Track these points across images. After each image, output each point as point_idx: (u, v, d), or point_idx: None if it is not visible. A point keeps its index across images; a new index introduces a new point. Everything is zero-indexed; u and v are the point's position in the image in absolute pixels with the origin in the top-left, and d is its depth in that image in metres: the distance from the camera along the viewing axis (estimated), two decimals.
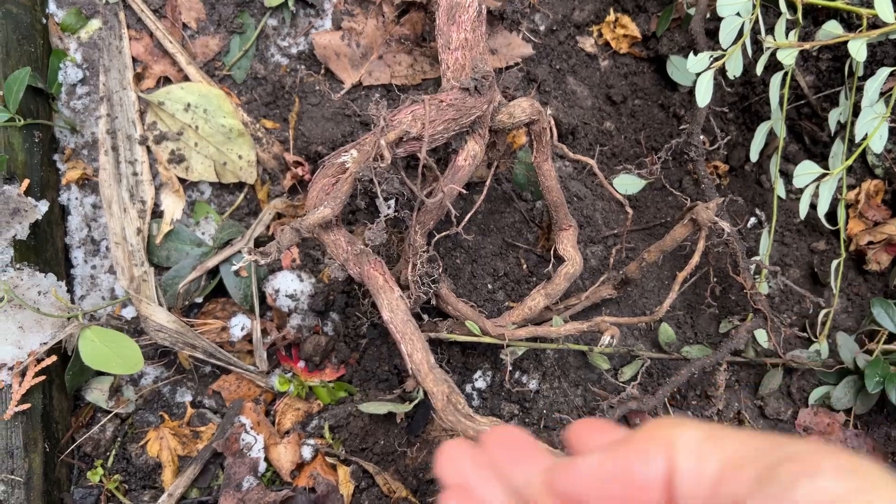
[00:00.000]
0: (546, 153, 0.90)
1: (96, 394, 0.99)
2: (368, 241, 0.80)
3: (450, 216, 0.85)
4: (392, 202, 0.85)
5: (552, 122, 0.91)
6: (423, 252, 0.88)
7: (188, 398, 1.02)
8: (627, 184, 1.03)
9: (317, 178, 0.84)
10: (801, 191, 0.95)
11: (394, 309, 0.78)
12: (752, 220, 1.06)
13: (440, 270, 0.91)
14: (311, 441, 1.00)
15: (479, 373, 1.00)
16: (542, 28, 1.10)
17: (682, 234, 0.83)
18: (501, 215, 1.05)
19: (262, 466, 0.97)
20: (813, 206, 0.92)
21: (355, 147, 0.82)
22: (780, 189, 0.98)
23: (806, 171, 0.87)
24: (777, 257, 1.03)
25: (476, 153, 0.87)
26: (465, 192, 1.01)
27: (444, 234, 0.88)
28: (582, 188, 1.06)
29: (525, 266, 1.03)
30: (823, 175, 0.88)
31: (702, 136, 0.94)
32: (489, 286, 1.03)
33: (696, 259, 0.83)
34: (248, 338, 1.04)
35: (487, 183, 0.95)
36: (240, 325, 1.04)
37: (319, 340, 1.05)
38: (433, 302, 0.96)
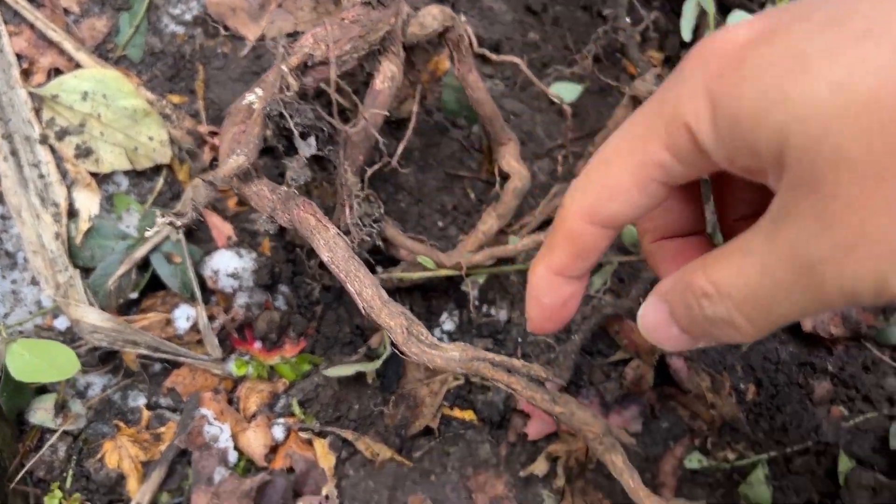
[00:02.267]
0: (468, 63, 0.84)
1: (41, 414, 0.91)
2: (291, 182, 0.73)
3: (383, 154, 0.79)
4: (312, 140, 0.78)
5: (468, 30, 0.85)
6: (359, 191, 0.81)
7: (142, 401, 0.94)
8: (564, 91, 0.98)
9: (225, 127, 0.77)
10: None
11: (332, 248, 0.71)
12: None
13: (381, 210, 0.85)
14: (282, 420, 0.93)
15: (444, 315, 0.94)
16: None
17: (624, 116, 0.78)
18: (438, 148, 0.99)
19: (233, 456, 0.90)
20: None
21: (259, 85, 0.75)
22: None
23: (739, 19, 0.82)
24: None
25: (394, 73, 0.81)
26: (396, 129, 0.95)
27: (376, 166, 0.82)
28: (517, 104, 1.00)
29: (473, 195, 0.97)
30: None
31: (629, 20, 0.89)
32: (439, 223, 0.97)
33: None
34: (197, 327, 0.97)
35: (414, 109, 0.88)
36: (184, 315, 0.97)
37: (272, 316, 0.98)
38: (382, 247, 0.90)
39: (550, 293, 0.44)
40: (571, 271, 0.43)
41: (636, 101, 0.77)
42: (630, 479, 0.70)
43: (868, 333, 0.86)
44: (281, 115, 0.72)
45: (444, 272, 0.84)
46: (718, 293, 0.34)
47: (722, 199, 0.46)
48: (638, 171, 0.36)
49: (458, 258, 0.84)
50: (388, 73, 0.80)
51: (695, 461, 0.85)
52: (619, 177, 0.37)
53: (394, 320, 0.70)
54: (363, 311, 0.71)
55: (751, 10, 0.97)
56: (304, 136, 0.76)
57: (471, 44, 0.84)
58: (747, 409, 0.87)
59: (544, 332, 0.49)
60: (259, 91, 0.74)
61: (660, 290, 0.41)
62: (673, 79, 0.35)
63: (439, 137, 0.99)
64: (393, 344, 0.95)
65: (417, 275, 0.84)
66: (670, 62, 1.04)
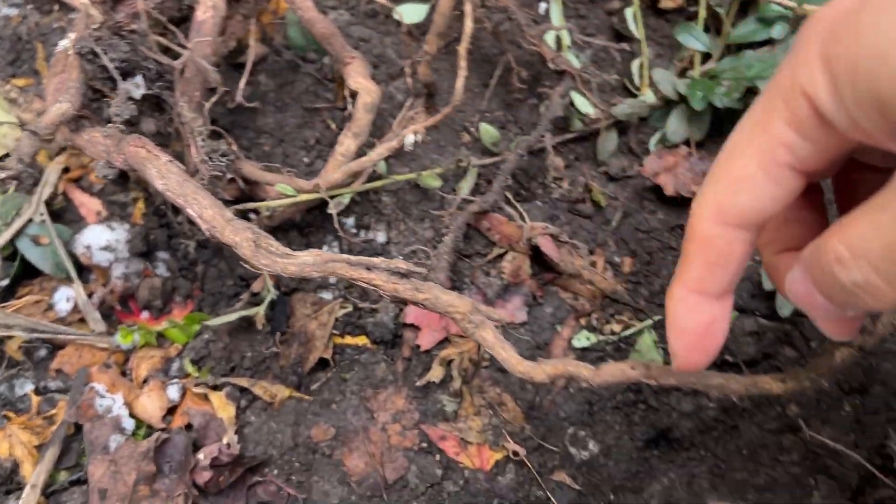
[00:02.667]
0: None
1: None
2: (115, 117, 0.72)
3: (229, 93, 0.78)
4: (140, 79, 0.76)
5: None
6: (200, 127, 0.80)
7: (29, 388, 0.91)
8: (412, 12, 0.98)
9: (48, 80, 0.75)
10: None
11: (165, 174, 0.70)
12: (543, 5, 1.02)
13: (232, 145, 0.84)
14: (176, 381, 0.91)
15: (324, 248, 0.93)
16: None
17: (447, 5, 0.78)
18: (293, 85, 0.98)
19: (129, 424, 0.88)
20: None
21: (70, 29, 0.74)
22: None
23: None
24: (579, 33, 0.99)
25: (216, 3, 0.80)
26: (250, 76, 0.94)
27: (214, 98, 0.80)
28: (365, 30, 1.00)
29: (334, 125, 0.97)
30: None
31: None
32: (305, 159, 0.96)
33: (468, 25, 0.78)
34: (78, 308, 0.95)
35: (252, 43, 0.87)
36: (63, 297, 0.95)
37: (153, 283, 0.96)
38: (246, 192, 0.89)
39: (691, 316, 0.40)
40: (710, 286, 0.39)
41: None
42: (502, 350, 0.70)
43: None
44: (94, 53, 0.70)
45: (304, 197, 0.83)
46: (853, 255, 0.31)
47: (843, 202, 0.44)
48: (762, 155, 0.34)
49: (318, 180, 0.83)
50: (208, 3, 0.79)
51: (583, 339, 0.86)
52: (743, 166, 0.35)
53: (239, 235, 0.69)
54: (207, 234, 0.70)
55: None
56: (128, 74, 0.74)
57: None
58: (625, 281, 0.88)
59: (693, 368, 0.43)
60: (71, 34, 0.72)
61: (802, 257, 0.37)
62: (787, 57, 0.33)
63: (292, 75, 0.98)
64: (276, 286, 0.95)
65: (278, 203, 0.83)
66: None
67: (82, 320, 0.94)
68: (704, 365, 0.42)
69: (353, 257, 0.71)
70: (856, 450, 0.83)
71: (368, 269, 0.71)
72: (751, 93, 0.84)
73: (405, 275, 0.72)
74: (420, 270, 0.75)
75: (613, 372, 0.64)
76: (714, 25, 0.94)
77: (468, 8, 0.79)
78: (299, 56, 0.98)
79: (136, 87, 0.75)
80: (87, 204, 0.99)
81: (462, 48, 0.80)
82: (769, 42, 0.89)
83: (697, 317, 0.40)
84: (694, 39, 0.90)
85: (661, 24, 1.00)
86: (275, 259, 0.69)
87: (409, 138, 0.79)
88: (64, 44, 0.73)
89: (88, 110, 0.76)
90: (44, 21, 1.00)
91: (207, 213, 0.69)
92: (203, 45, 0.78)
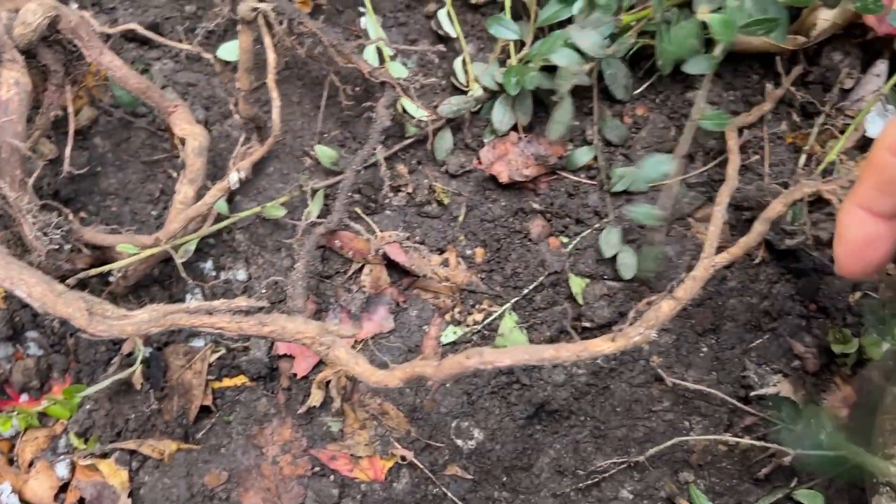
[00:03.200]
0: (96, 47, 0.83)
1: None
2: None
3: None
4: None
5: (85, 14, 0.84)
6: (29, 204, 0.79)
7: None
8: (232, 49, 0.99)
9: None
10: None
11: None
12: (363, 19, 1.04)
13: (67, 215, 0.83)
14: (63, 457, 0.90)
15: (188, 297, 0.94)
16: None
17: (247, 41, 0.79)
18: (128, 142, 0.98)
19: None
20: None
21: None
22: None
23: None
24: (402, 41, 1.02)
25: (17, 79, 0.79)
26: (85, 139, 0.93)
27: (36, 172, 0.80)
28: (192, 75, 1.00)
29: (175, 174, 0.97)
30: None
31: None
32: (153, 213, 0.96)
33: (272, 56, 0.79)
34: None
35: (70, 109, 0.87)
36: None
37: (26, 364, 0.94)
38: (93, 258, 0.88)
39: (856, 228, 0.44)
40: (878, 206, 0.42)
41: (249, 23, 0.79)
42: (356, 366, 0.72)
43: (559, 164, 0.92)
44: None
45: (148, 253, 0.83)
46: None
47: None
48: None
49: (159, 233, 0.83)
50: (10, 81, 0.79)
51: (450, 334, 0.88)
52: None
53: (72, 307, 0.69)
54: (41, 312, 0.70)
55: None
56: None
57: (92, 27, 0.84)
58: (480, 270, 0.91)
59: (852, 275, 0.46)
60: None
61: (853, 197, 0.43)
62: None
63: (126, 132, 0.98)
64: (148, 343, 0.94)
65: (122, 263, 0.83)
66: None
67: None
68: (861, 275, 0.45)
69: (192, 304, 0.72)
70: (719, 386, 0.87)
71: (210, 313, 0.72)
72: (550, 70, 0.88)
73: (249, 311, 0.74)
74: (261, 304, 0.76)
75: (452, 364, 0.66)
76: (525, 12, 0.97)
77: (268, 41, 0.80)
78: (129, 112, 0.98)
79: None
80: None
81: (270, 80, 0.81)
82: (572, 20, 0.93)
83: (862, 230, 0.44)
84: (505, 29, 0.93)
85: (478, 18, 1.03)
86: (111, 323, 0.69)
87: (234, 177, 0.80)
88: None
89: None
90: None
91: (36, 291, 0.69)
92: (11, 124, 0.78)
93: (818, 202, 0.84)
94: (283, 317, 0.72)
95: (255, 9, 0.76)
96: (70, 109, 0.88)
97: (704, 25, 0.81)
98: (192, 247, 0.88)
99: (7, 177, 0.80)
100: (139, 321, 0.69)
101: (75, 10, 0.83)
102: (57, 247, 0.81)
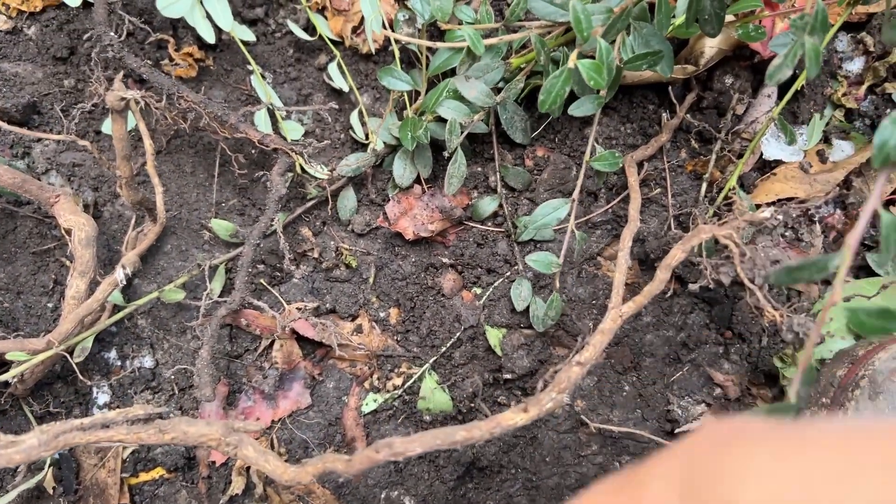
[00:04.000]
0: None
1: None
2: None
3: None
4: None
5: None
6: None
7: None
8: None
9: None
10: (279, 27, 0.91)
11: None
12: (252, 78, 1.00)
13: None
14: None
15: (95, 391, 0.89)
16: None
17: (120, 130, 0.75)
18: (14, 233, 0.92)
19: None
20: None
21: None
22: (240, 33, 0.93)
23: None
24: (296, 97, 0.99)
25: None
26: None
27: None
28: (77, 155, 0.95)
29: (68, 262, 0.92)
30: None
31: (114, 35, 0.86)
32: (49, 305, 0.91)
33: (148, 143, 0.75)
34: None
35: None
36: None
37: None
38: None
39: None
40: None
41: (119, 112, 0.75)
42: (266, 464, 0.69)
43: (465, 215, 0.91)
44: None
45: (43, 357, 0.79)
46: None
47: None
48: None
49: (49, 337, 0.79)
50: None
51: (371, 402, 0.86)
52: None
53: None
54: None
55: None
56: None
57: None
58: (395, 332, 0.89)
59: None
60: None
61: None
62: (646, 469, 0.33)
63: (11, 222, 0.93)
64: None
65: (15, 371, 0.79)
66: (216, 48, 1.03)
67: None
68: None
69: (86, 420, 0.68)
70: (644, 423, 0.87)
71: (107, 426, 0.69)
72: (441, 121, 0.86)
73: (148, 418, 0.70)
74: (158, 410, 0.73)
75: (363, 459, 0.64)
76: (417, 60, 0.95)
77: (142, 128, 0.76)
78: (12, 202, 0.93)
79: None
80: None
81: (150, 167, 0.78)
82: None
83: None
84: (397, 80, 0.91)
85: (371, 67, 1.01)
86: (5, 452, 0.65)
87: (120, 273, 0.76)
88: None
89: None
90: None
91: None
92: None
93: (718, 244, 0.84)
94: (184, 421, 0.69)
95: (122, 98, 0.72)
96: None
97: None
98: (89, 344, 0.84)
99: None
100: (28, 447, 0.65)
101: None
102: None
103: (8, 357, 0.79)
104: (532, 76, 0.89)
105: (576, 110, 0.79)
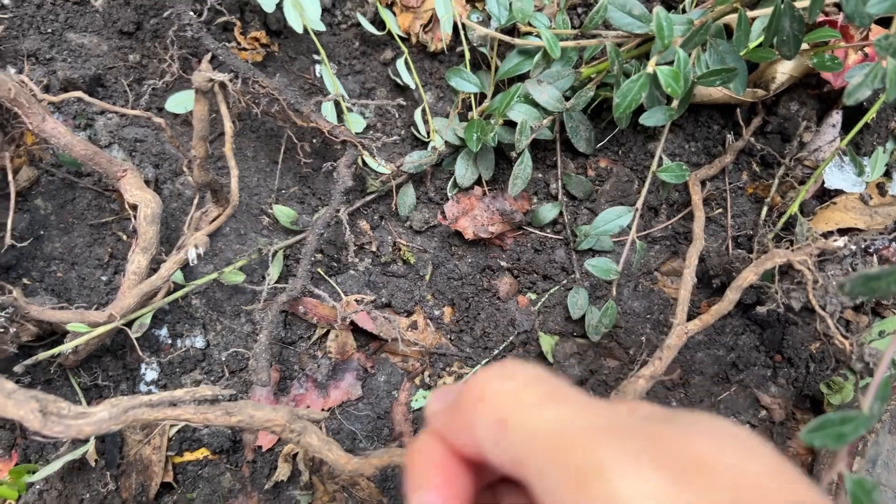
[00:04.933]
0: (38, 113, 0.78)
1: None
2: None
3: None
4: None
5: (25, 79, 0.79)
6: None
7: None
8: (181, 101, 0.95)
9: None
10: (346, 18, 0.91)
11: None
12: (317, 67, 1.01)
13: (12, 292, 0.78)
14: None
15: (143, 367, 0.89)
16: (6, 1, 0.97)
17: (202, 110, 0.76)
18: (73, 203, 0.92)
19: None
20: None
21: None
22: (315, 24, 0.93)
23: None
24: (359, 90, 0.99)
25: None
26: (26, 201, 0.89)
27: None
28: (139, 130, 0.96)
29: (125, 236, 0.92)
30: None
31: (193, 14, 0.86)
32: (103, 278, 0.91)
33: (228, 126, 0.76)
34: None
35: (10, 178, 0.82)
36: None
37: None
38: (41, 332, 0.84)
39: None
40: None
41: (204, 94, 0.75)
42: (329, 453, 0.69)
43: (525, 220, 0.91)
44: None
45: (102, 330, 0.79)
46: None
47: None
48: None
49: (112, 309, 0.79)
50: None
51: (420, 399, 0.86)
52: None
53: (23, 408, 0.64)
54: None
55: None
56: None
57: (33, 93, 0.79)
58: (449, 331, 0.89)
59: None
60: None
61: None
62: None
63: (71, 192, 0.93)
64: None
65: (73, 343, 0.79)
66: (281, 35, 1.03)
67: None
68: None
69: (154, 396, 0.68)
70: None
71: (174, 404, 0.69)
72: (512, 124, 0.87)
73: (214, 400, 0.71)
74: (226, 392, 0.73)
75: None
76: (485, 64, 0.96)
77: (224, 111, 0.77)
78: (73, 172, 0.93)
79: None
80: None
81: (228, 150, 0.78)
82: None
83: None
84: (465, 82, 0.91)
85: (437, 66, 1.01)
86: (68, 423, 0.65)
87: (192, 253, 0.76)
88: None
89: None
90: None
91: None
92: None
93: (789, 269, 0.85)
94: (250, 404, 0.69)
95: (210, 79, 0.72)
96: (10, 172, 0.82)
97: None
98: (147, 320, 0.84)
99: None
100: (99, 420, 0.65)
101: (14, 75, 0.78)
102: (2, 330, 0.76)
103: (69, 328, 0.79)
104: (601, 87, 0.89)
105: (647, 119, 0.80)
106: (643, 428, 0.29)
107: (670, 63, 0.77)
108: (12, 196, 0.82)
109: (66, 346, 0.79)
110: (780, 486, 0.27)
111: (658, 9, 0.74)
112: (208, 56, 0.77)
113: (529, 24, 0.85)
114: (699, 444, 0.28)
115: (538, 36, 0.89)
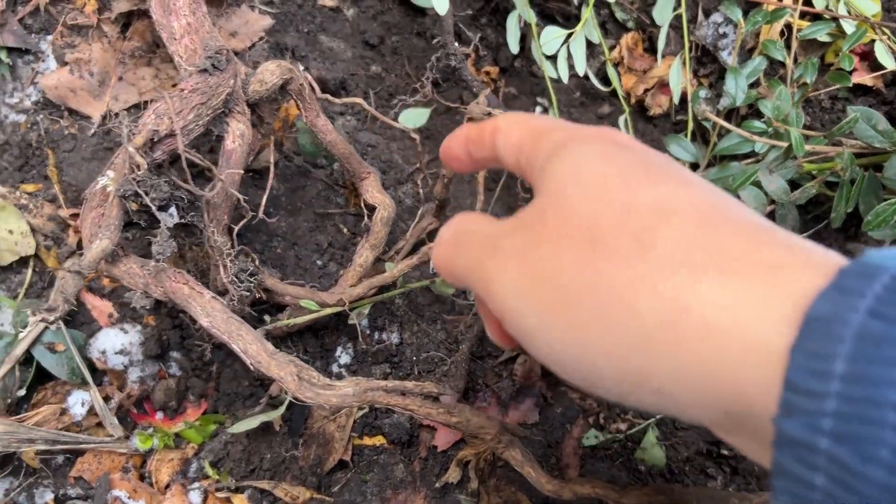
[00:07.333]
0: (314, 109, 0.88)
1: None
2: (158, 256, 0.75)
3: (249, 208, 0.82)
4: (174, 210, 0.79)
5: (309, 78, 0.88)
6: (229, 250, 0.83)
7: (49, 496, 0.92)
8: (412, 118, 1.03)
9: (84, 214, 0.78)
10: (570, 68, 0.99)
11: (210, 312, 0.73)
12: (538, 108, 1.08)
13: (256, 262, 0.87)
14: (197, 484, 0.93)
15: (339, 349, 0.97)
16: None
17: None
18: (304, 190, 1.02)
19: None
20: (585, 76, 0.95)
21: (110, 168, 0.76)
22: (549, 70, 1.00)
23: (553, 37, 0.89)
24: None
25: (243, 132, 0.83)
26: (259, 179, 0.97)
27: (243, 222, 0.84)
28: (372, 136, 1.04)
29: (346, 230, 1.01)
30: (570, 35, 0.90)
31: (457, 45, 0.94)
32: (318, 262, 1.00)
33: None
34: (94, 411, 0.96)
35: (272, 159, 0.91)
36: (78, 401, 0.96)
37: (168, 384, 0.98)
38: (265, 298, 0.92)
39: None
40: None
41: (473, 122, 0.82)
42: (531, 470, 0.75)
43: None
44: (136, 194, 0.73)
45: (328, 311, 0.87)
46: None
47: None
48: None
49: (340, 295, 0.87)
50: (237, 133, 0.83)
51: (592, 438, 0.91)
52: None
53: (283, 370, 0.73)
54: (252, 367, 0.74)
55: (567, 19, 1.05)
56: (163, 208, 0.77)
57: (313, 90, 0.88)
58: None
59: None
60: (111, 174, 0.74)
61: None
62: None
63: (303, 180, 1.02)
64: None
65: (302, 319, 0.87)
66: (506, 72, 1.11)
67: (99, 424, 0.96)
68: None
69: (389, 383, 0.75)
70: None
71: (403, 393, 0.76)
72: None
73: (436, 397, 0.77)
74: (451, 392, 0.79)
75: (639, 496, 0.70)
76: (700, 135, 1.01)
77: None
78: (309, 161, 1.02)
79: (171, 217, 0.78)
80: (100, 307, 1.00)
81: (480, 176, 0.85)
82: (752, 154, 0.97)
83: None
84: (683, 150, 0.97)
85: (650, 128, 1.07)
86: (318, 392, 0.72)
87: (432, 264, 0.84)
88: (103, 182, 0.76)
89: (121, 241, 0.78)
90: (53, 128, 1.01)
91: (252, 349, 0.72)
92: (232, 174, 0.82)
93: None
94: (468, 409, 0.76)
95: (489, 112, 0.80)
96: (272, 159, 0.92)
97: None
98: (367, 310, 0.92)
99: (215, 221, 0.83)
100: (343, 394, 0.73)
101: (303, 72, 0.87)
102: (247, 293, 0.84)
103: (302, 304, 0.88)
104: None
105: (876, 233, 0.84)
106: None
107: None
108: (270, 175, 0.91)
109: (300, 320, 0.87)
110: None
111: None
112: (487, 91, 0.85)
113: (782, 122, 0.90)
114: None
115: (765, 122, 0.94)
